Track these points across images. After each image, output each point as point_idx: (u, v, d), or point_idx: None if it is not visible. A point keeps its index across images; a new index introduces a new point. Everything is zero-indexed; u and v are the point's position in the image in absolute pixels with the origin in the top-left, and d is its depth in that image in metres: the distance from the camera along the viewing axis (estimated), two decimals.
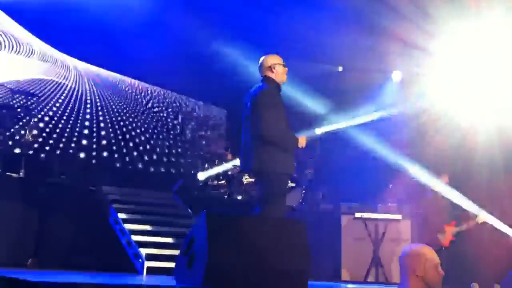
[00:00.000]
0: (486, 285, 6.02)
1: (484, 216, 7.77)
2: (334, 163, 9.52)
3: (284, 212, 4.76)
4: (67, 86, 9.47)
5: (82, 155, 9.07)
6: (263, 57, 4.87)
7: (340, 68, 10.64)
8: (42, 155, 8.53)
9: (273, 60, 4.81)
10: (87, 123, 9.49)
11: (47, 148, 8.72)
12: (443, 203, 7.86)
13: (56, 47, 9.35)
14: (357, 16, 8.74)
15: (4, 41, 8.44)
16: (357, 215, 8.16)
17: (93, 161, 9.27)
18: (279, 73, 4.79)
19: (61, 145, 8.90)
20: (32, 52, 8.88)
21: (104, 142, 9.60)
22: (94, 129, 9.57)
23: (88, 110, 9.62)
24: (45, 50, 9.18)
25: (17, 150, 7.83)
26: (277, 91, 4.76)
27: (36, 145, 8.44)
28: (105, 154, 9.47)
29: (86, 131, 9.35)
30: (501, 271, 6.13)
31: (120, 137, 9.91)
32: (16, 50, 8.61)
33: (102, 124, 9.64)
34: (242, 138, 4.84)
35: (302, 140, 4.76)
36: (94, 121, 9.62)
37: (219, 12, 8.79)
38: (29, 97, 8.28)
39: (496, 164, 8.66)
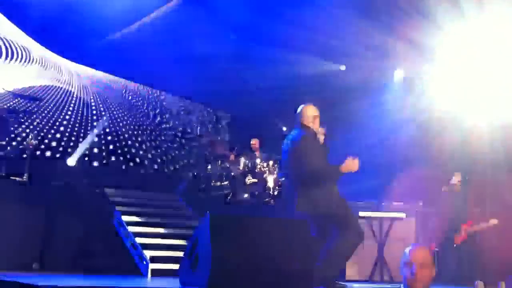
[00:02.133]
0: (491, 283, 6.00)
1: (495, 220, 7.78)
2: (338, 162, 9.48)
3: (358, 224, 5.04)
4: (72, 92, 9.50)
5: (86, 158, 9.09)
6: (304, 106, 5.14)
7: (343, 67, 10.60)
8: (46, 158, 8.55)
9: (315, 112, 5.12)
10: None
11: (51, 151, 8.75)
12: (457, 202, 7.83)
13: (58, 53, 9.36)
14: (359, 13, 8.73)
15: (6, 49, 8.47)
16: (361, 214, 8.10)
17: (98, 164, 9.28)
18: (317, 124, 5.10)
19: (66, 149, 8.93)
20: (32, 59, 8.90)
21: (111, 146, 9.64)
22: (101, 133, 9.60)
23: (94, 112, 9.64)
24: (47, 56, 9.19)
25: (21, 154, 7.84)
26: (315, 137, 5.05)
27: (40, 149, 8.46)
28: (112, 158, 9.50)
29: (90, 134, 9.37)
30: (507, 269, 6.10)
31: (122, 140, 9.92)
32: (16, 58, 8.63)
33: (107, 129, 9.65)
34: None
35: (347, 164, 4.85)
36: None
37: (221, 11, 8.79)
38: (32, 102, 8.29)
39: (499, 163, 8.64)
